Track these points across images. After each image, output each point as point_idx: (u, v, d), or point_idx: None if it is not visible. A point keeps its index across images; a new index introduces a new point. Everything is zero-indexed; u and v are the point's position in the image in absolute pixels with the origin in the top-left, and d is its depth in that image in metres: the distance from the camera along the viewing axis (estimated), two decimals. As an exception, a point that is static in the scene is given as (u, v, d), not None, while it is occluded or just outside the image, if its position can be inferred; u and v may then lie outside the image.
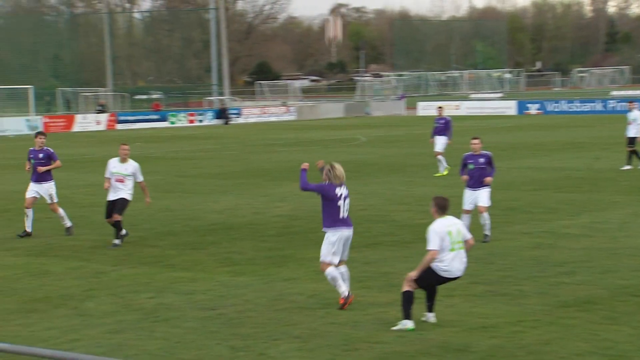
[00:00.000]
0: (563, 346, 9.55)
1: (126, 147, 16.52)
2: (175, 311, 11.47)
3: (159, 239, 16.96)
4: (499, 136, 44.14)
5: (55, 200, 17.53)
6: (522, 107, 67.31)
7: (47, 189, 17.50)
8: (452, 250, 10.37)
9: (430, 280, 10.44)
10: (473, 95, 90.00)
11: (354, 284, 12.84)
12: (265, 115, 70.93)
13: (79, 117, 61.69)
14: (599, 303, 11.30)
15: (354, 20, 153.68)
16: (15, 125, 56.09)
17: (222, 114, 67.44)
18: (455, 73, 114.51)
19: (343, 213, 11.58)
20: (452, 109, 71.15)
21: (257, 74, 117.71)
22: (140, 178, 16.61)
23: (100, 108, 65.22)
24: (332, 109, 75.90)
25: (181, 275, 13.64)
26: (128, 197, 16.44)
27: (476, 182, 16.05)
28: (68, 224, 17.57)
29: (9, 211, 21.21)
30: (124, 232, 16.52)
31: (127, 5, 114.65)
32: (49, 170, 17.59)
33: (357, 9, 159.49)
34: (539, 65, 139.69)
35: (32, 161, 17.55)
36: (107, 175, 16.50)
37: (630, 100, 26.92)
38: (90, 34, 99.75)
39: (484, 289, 12.26)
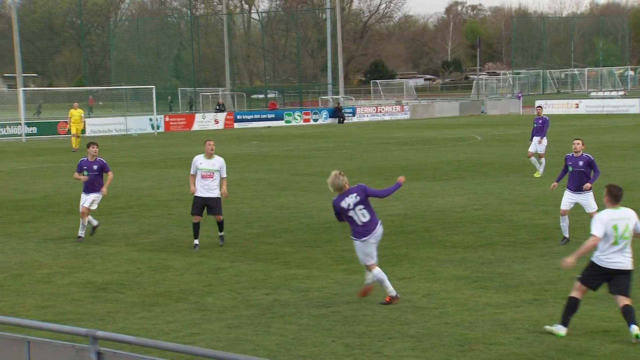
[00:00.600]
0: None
1: (211, 142, 16.43)
2: (290, 308, 11.63)
3: (275, 237, 17.22)
4: (622, 135, 42.84)
5: (94, 207, 17.50)
6: (645, 105, 65.08)
7: (94, 197, 17.35)
8: (614, 244, 9.84)
9: (590, 272, 9.92)
10: (593, 94, 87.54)
11: (470, 284, 12.73)
12: (380, 114, 70.92)
13: (198, 117, 63.20)
14: None
15: (470, 18, 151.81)
16: (139, 124, 57.92)
17: (336, 112, 67.82)
18: (575, 71, 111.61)
19: (359, 221, 11.47)
20: (572, 107, 69.47)
21: (372, 73, 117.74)
22: (225, 175, 16.53)
23: (218, 107, 66.64)
24: (446, 107, 75.23)
25: (296, 273, 13.81)
26: (218, 194, 16.44)
27: (576, 185, 15.62)
28: (95, 222, 17.53)
29: (131, 207, 21.93)
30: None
31: (246, 6, 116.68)
32: (101, 181, 17.34)
33: (474, 7, 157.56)
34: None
35: (86, 173, 17.18)
36: (192, 172, 16.33)
37: None
38: (210, 35, 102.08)
39: (605, 292, 11.89)
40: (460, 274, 13.42)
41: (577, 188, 15.61)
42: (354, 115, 69.23)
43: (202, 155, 16.44)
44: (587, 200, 15.65)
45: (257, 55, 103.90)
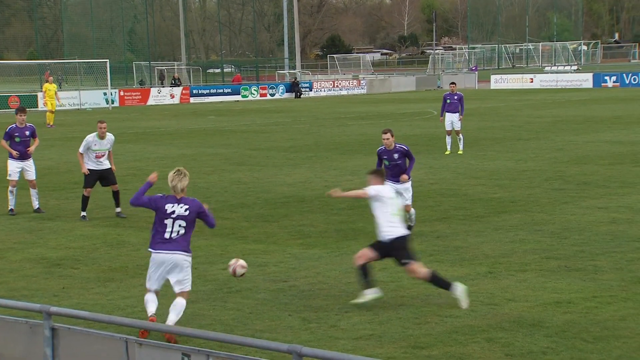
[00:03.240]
0: (639, 323, 9.39)
1: (104, 124, 16.74)
2: (247, 282, 11.63)
3: (232, 211, 17.17)
4: (575, 109, 43.35)
5: (33, 177, 17.61)
6: (598, 80, 65.91)
7: (30, 165, 17.50)
8: (395, 215, 10.53)
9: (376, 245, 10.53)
10: (547, 68, 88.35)
11: (425, 257, 12.83)
12: (337, 89, 70.88)
13: (153, 91, 62.59)
14: (677, 280, 11.07)
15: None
16: (93, 98, 57.19)
17: (293, 87, 67.66)
18: (530, 45, 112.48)
19: (169, 234, 9.52)
20: (527, 82, 70.07)
21: (329, 47, 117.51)
22: (110, 149, 16.94)
23: (174, 82, 66.04)
24: (403, 82, 75.44)
25: (253, 247, 13.80)
26: (109, 165, 16.92)
27: (395, 178, 14.46)
28: (37, 204, 17.64)
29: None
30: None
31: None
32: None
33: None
34: (616, 36, 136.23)
35: (17, 139, 17.27)
36: (82, 150, 16.64)
37: None
38: (165, 8, 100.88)
39: (558, 264, 12.12)
40: (416, 247, 13.46)
41: (397, 180, 14.51)
42: (310, 90, 69.12)
43: (94, 135, 16.74)
44: (407, 191, 14.61)
45: (213, 29, 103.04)
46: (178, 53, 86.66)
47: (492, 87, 70.75)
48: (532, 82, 69.69)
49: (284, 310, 10.32)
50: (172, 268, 9.50)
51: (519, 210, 16.37)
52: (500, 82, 71.66)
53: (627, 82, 64.21)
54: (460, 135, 26.23)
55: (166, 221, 9.56)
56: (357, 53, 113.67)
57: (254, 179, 21.64)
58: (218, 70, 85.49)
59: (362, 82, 73.59)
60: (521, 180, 20.15)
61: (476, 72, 77.93)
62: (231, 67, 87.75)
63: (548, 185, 19.15)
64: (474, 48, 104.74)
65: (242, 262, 10.07)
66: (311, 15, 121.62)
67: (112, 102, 57.45)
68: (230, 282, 11.66)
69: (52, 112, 42.27)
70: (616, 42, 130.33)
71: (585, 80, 67.20)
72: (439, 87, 74.23)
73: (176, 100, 62.05)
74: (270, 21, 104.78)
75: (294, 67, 78.98)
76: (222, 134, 35.39)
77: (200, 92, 64.72)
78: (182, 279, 9.54)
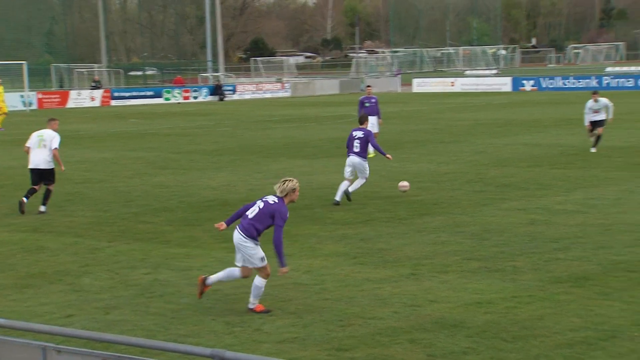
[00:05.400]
0: (556, 321, 9.61)
1: (56, 121, 17.44)
2: (171, 287, 11.50)
3: (155, 215, 16.97)
4: (495, 113, 44.14)
5: None
6: (517, 84, 67.25)
7: None
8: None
9: None
10: (468, 72, 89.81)
11: (349, 260, 12.89)
12: (260, 92, 70.77)
13: (73, 94, 61.46)
14: (593, 279, 11.35)
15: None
16: (10, 101, 55.82)
17: (216, 90, 67.27)
18: (451, 49, 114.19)
19: (247, 214, 10.36)
20: (448, 85, 71.09)
21: (252, 50, 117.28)
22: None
23: (94, 84, 64.97)
24: (327, 85, 75.74)
25: (176, 252, 13.66)
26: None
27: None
28: None
29: (3, 187, 21.17)
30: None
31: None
32: None
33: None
34: (533, 41, 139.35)
35: None
36: (29, 144, 17.27)
37: (595, 91, 26.45)
38: (84, 9, 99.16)
39: (478, 265, 12.31)
40: (340, 250, 13.57)
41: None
42: (234, 93, 68.83)
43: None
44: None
45: (134, 31, 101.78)
46: (98, 55, 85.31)
47: (414, 91, 71.59)
48: (453, 85, 70.73)
49: (207, 315, 10.23)
50: (237, 247, 10.34)
51: (441, 212, 16.58)
52: (422, 85, 72.56)
53: (544, 86, 65.68)
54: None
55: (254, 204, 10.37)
56: (280, 56, 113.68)
57: (177, 183, 21.43)
58: (140, 73, 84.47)
59: (286, 85, 73.61)
60: (443, 182, 20.43)
61: (399, 76, 78.76)
62: (154, 70, 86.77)
63: (469, 188, 19.45)
64: (396, 52, 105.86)
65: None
66: (234, 18, 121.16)
67: (30, 104, 56.19)
68: (152, 287, 11.51)
69: (5, 114, 41.08)
70: (533, 47, 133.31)
71: (504, 84, 68.51)
72: (362, 90, 74.75)
73: (97, 103, 61.08)
74: (193, 24, 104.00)
75: (217, 70, 78.56)
76: (144, 137, 34.96)
77: (121, 94, 63.82)
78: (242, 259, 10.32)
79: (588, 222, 15.11)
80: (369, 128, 26.53)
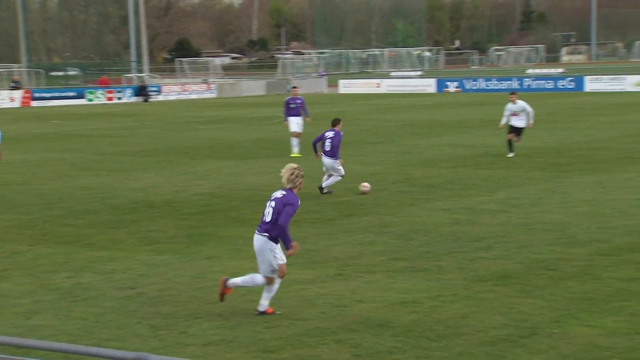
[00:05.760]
0: (480, 320, 9.76)
1: None
2: (94, 291, 11.31)
3: (77, 218, 16.67)
4: (420, 114, 44.63)
5: None
6: (441, 85, 68.13)
7: None
8: None
9: None
10: (394, 73, 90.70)
11: (276, 261, 12.87)
12: (186, 93, 70.19)
13: (-9, 94, 59.97)
14: (515, 277, 11.56)
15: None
16: None
17: (141, 91, 66.49)
18: (376, 51, 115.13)
19: (264, 216, 10.17)
20: (374, 86, 71.62)
21: (177, 51, 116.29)
22: None
23: (14, 84, 63.49)
24: (253, 86, 75.55)
25: (100, 255, 13.44)
26: None
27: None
28: None
29: None
30: None
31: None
32: None
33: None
34: (457, 43, 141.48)
35: None
36: None
37: (512, 92, 26.14)
38: (2, 8, 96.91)
39: (404, 265, 12.42)
40: (266, 251, 13.52)
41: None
42: (159, 94, 68.13)
43: None
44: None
45: (55, 30, 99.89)
46: (18, 55, 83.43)
47: (340, 92, 71.91)
48: (379, 86, 71.28)
49: (132, 318, 10.09)
50: (256, 250, 10.13)
51: (367, 212, 16.69)
52: (348, 86, 72.93)
53: (468, 87, 66.70)
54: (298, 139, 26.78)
55: (267, 204, 10.22)
56: (206, 57, 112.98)
57: (101, 185, 21.10)
58: (61, 73, 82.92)
59: (211, 86, 73.18)
60: (370, 183, 20.54)
61: (325, 77, 79.04)
62: (76, 70, 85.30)
63: (395, 188, 19.62)
64: (322, 53, 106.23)
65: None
66: (158, 18, 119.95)
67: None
68: (75, 291, 11.30)
69: None
70: (457, 49, 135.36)
71: (429, 85, 69.34)
72: (288, 91, 74.79)
73: (16, 104, 59.74)
74: (116, 23, 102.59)
75: (141, 71, 77.62)
76: (67, 138, 34.34)
77: (42, 95, 62.55)
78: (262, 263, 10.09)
79: (510, 221, 15.38)
80: (293, 129, 26.85)
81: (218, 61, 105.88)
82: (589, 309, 10.06)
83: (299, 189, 10.35)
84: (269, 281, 10.18)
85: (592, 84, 60.02)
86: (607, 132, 30.92)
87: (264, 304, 10.18)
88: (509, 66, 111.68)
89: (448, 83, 68.10)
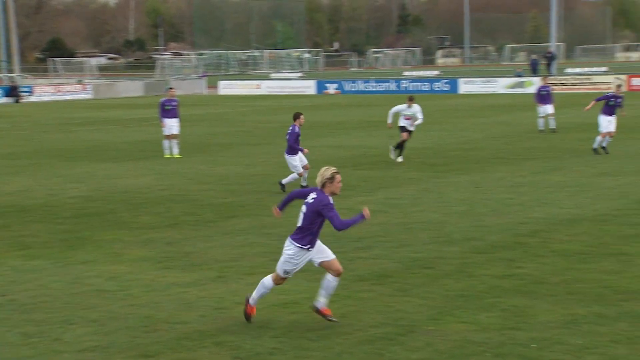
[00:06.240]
0: (358, 319, 9.86)
1: None
2: (-38, 299, 10.84)
3: (-56, 224, 15.95)
4: (299, 115, 44.81)
5: None
6: (321, 87, 68.67)
7: None
8: None
9: None
10: (273, 75, 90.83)
11: (155, 264, 12.66)
12: (60, 94, 68.30)
13: None
14: (393, 276, 11.74)
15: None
16: None
17: (12, 91, 64.29)
18: (256, 52, 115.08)
19: (298, 221, 9.80)
20: (254, 88, 71.54)
21: (50, 50, 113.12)
22: None
23: None
24: (131, 87, 74.23)
25: (-31, 262, 12.89)
26: None
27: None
28: None
29: None
30: None
31: None
32: None
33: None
34: (336, 45, 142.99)
35: None
36: None
37: (411, 96, 25.22)
38: None
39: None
40: (146, 254, 13.30)
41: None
42: (31, 95, 66.05)
43: None
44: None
45: None
46: None
47: (221, 93, 71.49)
48: (259, 88, 71.24)
49: (2, 327, 9.72)
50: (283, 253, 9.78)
51: (248, 214, 16.63)
52: (228, 88, 72.58)
53: (347, 89, 67.48)
54: (176, 140, 26.46)
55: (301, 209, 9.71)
56: (81, 57, 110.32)
57: (-31, 189, 20.26)
58: None
59: (87, 86, 71.49)
60: (250, 184, 20.50)
61: (204, 78, 78.42)
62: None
63: (276, 189, 19.61)
64: (201, 54, 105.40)
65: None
66: (29, 16, 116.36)
67: None
68: (-59, 301, 10.79)
69: None
70: (336, 50, 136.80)
71: (308, 87, 69.76)
72: (165, 92, 73.83)
73: None
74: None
75: (12, 71, 75.09)
76: None
77: None
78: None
79: (389, 221, 15.62)
80: (166, 132, 26.37)
81: (94, 61, 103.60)
82: (464, 305, 10.31)
83: (334, 194, 9.79)
84: (276, 279, 9.80)
85: (466, 86, 61.72)
86: (480, 133, 31.85)
87: (321, 300, 9.66)
88: (386, 68, 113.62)
89: (327, 84, 68.70)
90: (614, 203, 16.58)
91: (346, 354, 8.75)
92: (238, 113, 47.74)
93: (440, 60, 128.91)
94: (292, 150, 19.15)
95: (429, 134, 32.14)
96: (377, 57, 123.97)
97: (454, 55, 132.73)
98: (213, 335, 9.33)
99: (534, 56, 72.01)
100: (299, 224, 9.73)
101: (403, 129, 24.37)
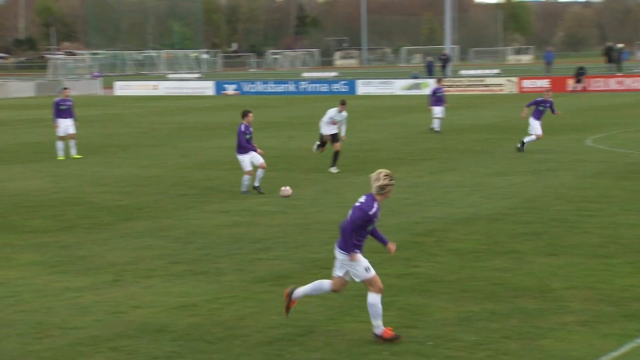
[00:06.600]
0: (258, 320, 9.84)
1: None
2: None
3: None
4: (198, 116, 44.45)
5: None
6: (219, 88, 68.26)
7: None
8: None
9: None
10: (171, 76, 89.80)
11: (48, 269, 12.34)
12: (-53, 94, 65.86)
13: None
14: (293, 277, 11.77)
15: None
16: None
17: None
18: (153, 53, 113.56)
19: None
20: (151, 88, 70.59)
21: None
22: None
23: None
24: (22, 87, 72.17)
25: None
26: None
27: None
28: None
29: None
30: None
31: None
32: None
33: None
34: (235, 46, 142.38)
35: None
36: None
37: (343, 101, 22.89)
38: None
39: (183, 269, 12.30)
40: (38, 259, 12.96)
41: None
42: None
43: None
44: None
45: None
46: None
47: (117, 94, 70.24)
48: (156, 89, 70.30)
49: None
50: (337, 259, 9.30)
51: (145, 216, 16.39)
52: (125, 88, 71.35)
53: (246, 90, 67.29)
54: (73, 141, 25.91)
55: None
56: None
57: None
58: None
59: (-24, 86, 69.16)
60: (147, 186, 20.22)
61: (99, 78, 76.92)
62: None
63: (174, 191, 19.41)
64: (96, 54, 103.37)
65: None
66: None
67: None
68: None
69: None
70: (235, 51, 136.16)
71: (207, 87, 69.23)
72: (58, 92, 72.13)
73: None
74: None
75: None
76: None
77: None
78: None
79: (289, 222, 15.65)
80: (61, 133, 25.69)
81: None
82: (362, 305, 10.39)
83: (386, 197, 9.24)
84: (338, 285, 9.30)
85: (364, 87, 62.35)
86: (379, 134, 32.23)
87: (376, 324, 9.09)
88: (285, 69, 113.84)
89: (226, 85, 68.34)
90: (506, 202, 17.04)
91: (245, 356, 8.72)
92: (135, 114, 47.01)
93: (338, 62, 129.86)
94: (241, 149, 18.88)
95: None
96: (275, 58, 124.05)
97: (352, 57, 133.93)
98: (109, 340, 9.16)
99: (429, 58, 73.18)
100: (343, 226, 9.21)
101: (335, 137, 22.40)
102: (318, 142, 23.01)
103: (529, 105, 25.55)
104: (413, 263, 12.42)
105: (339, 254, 9.25)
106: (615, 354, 8.65)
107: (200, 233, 14.75)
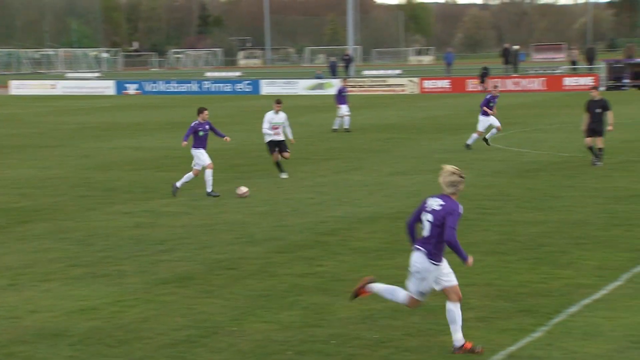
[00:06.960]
0: (161, 322, 9.71)
1: None
2: None
3: None
4: (99, 116, 43.61)
5: None
6: (120, 87, 67.14)
7: None
8: None
9: None
10: (70, 75, 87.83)
11: (-60, 275, 11.90)
12: None
13: None
14: (196, 278, 11.66)
15: None
16: None
17: None
18: (50, 51, 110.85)
19: (423, 231, 8.85)
20: (49, 88, 68.91)
21: None
22: None
23: None
24: None
25: None
26: None
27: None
28: None
29: None
30: None
31: None
32: None
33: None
34: (136, 45, 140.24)
35: None
36: None
37: (278, 100, 21.90)
38: None
39: (83, 271, 12.04)
40: None
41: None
42: None
43: None
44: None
45: None
46: None
47: (12, 93, 68.32)
48: (54, 88, 68.68)
49: None
50: (414, 270, 8.85)
51: (43, 218, 15.98)
52: (21, 88, 69.46)
53: (148, 89, 66.37)
54: None
55: (422, 216, 8.86)
56: None
57: None
58: None
59: None
60: (46, 188, 19.72)
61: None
62: None
63: (74, 193, 18.99)
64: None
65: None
66: None
67: None
68: None
69: None
70: (136, 50, 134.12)
71: (107, 87, 68.01)
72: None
73: None
74: None
75: None
76: None
77: None
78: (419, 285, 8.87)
79: (192, 223, 15.50)
80: None
81: None
82: (266, 305, 10.40)
83: (459, 193, 8.87)
84: (413, 303, 8.95)
85: (268, 87, 62.30)
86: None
87: (457, 337, 8.69)
88: (188, 69, 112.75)
89: (127, 85, 67.25)
90: (408, 201, 17.27)
91: (147, 359, 8.58)
92: (32, 114, 45.81)
93: (242, 62, 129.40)
94: (196, 144, 18.92)
95: (231, 135, 32.17)
96: (178, 58, 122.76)
97: (255, 57, 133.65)
98: (4, 346, 8.89)
99: (332, 58, 73.59)
100: (426, 233, 8.79)
101: (272, 146, 20.95)
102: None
103: (486, 105, 26.06)
104: (317, 262, 12.46)
105: (433, 268, 8.73)
106: (512, 348, 8.86)
107: (101, 235, 14.46)
